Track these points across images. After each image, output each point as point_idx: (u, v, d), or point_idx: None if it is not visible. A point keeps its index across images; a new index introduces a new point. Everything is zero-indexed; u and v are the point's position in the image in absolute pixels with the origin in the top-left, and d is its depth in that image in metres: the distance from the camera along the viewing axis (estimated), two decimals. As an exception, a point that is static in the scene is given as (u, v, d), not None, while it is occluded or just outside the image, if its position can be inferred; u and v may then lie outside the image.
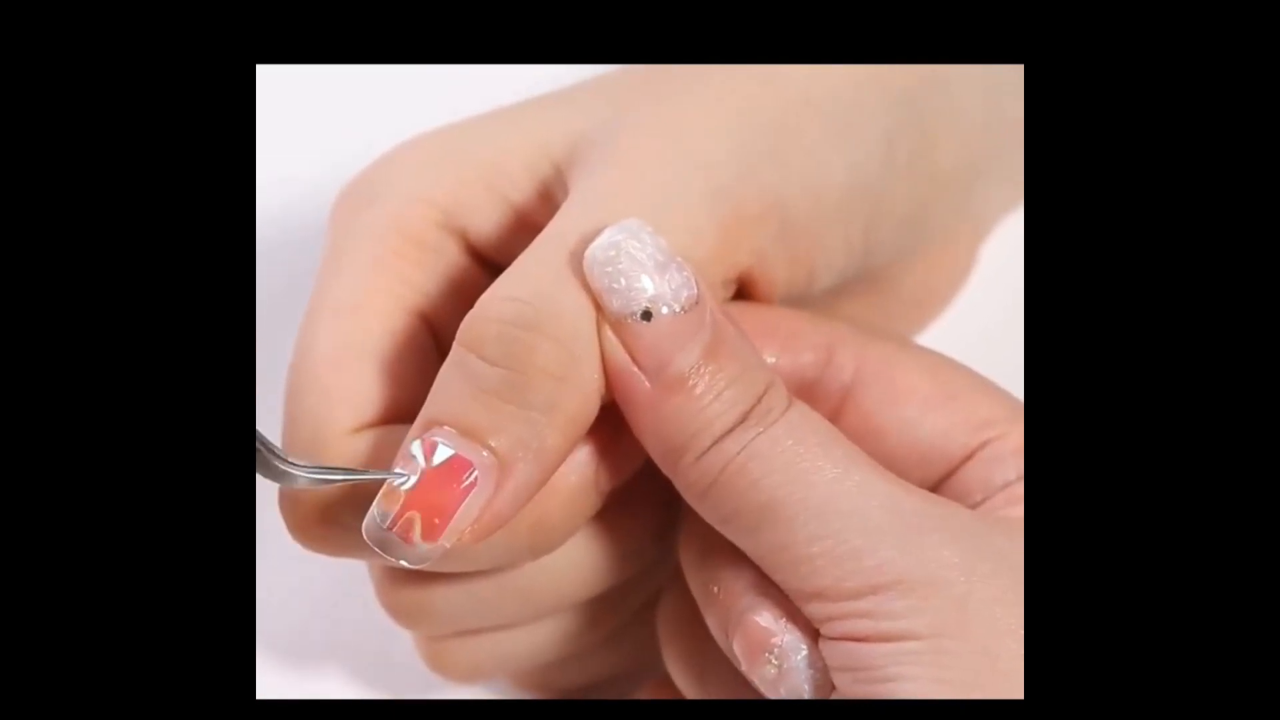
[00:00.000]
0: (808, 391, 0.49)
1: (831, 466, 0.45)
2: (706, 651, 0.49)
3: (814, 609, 0.45)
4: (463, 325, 0.46)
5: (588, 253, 0.46)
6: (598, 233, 0.46)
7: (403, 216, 0.51)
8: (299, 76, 0.64)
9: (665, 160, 0.49)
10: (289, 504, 0.48)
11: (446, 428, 0.45)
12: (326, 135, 0.67)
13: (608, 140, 0.50)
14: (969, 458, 0.48)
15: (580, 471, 0.47)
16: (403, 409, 0.48)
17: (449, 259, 0.51)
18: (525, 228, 0.50)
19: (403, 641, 0.55)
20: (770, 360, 0.49)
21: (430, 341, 0.50)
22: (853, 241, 0.51)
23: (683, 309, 0.46)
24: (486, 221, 0.51)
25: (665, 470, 0.46)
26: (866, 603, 0.44)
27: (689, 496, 0.46)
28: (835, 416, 0.49)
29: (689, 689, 0.51)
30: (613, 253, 0.46)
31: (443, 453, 0.45)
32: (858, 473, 0.45)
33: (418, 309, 0.50)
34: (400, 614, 0.51)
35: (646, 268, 0.46)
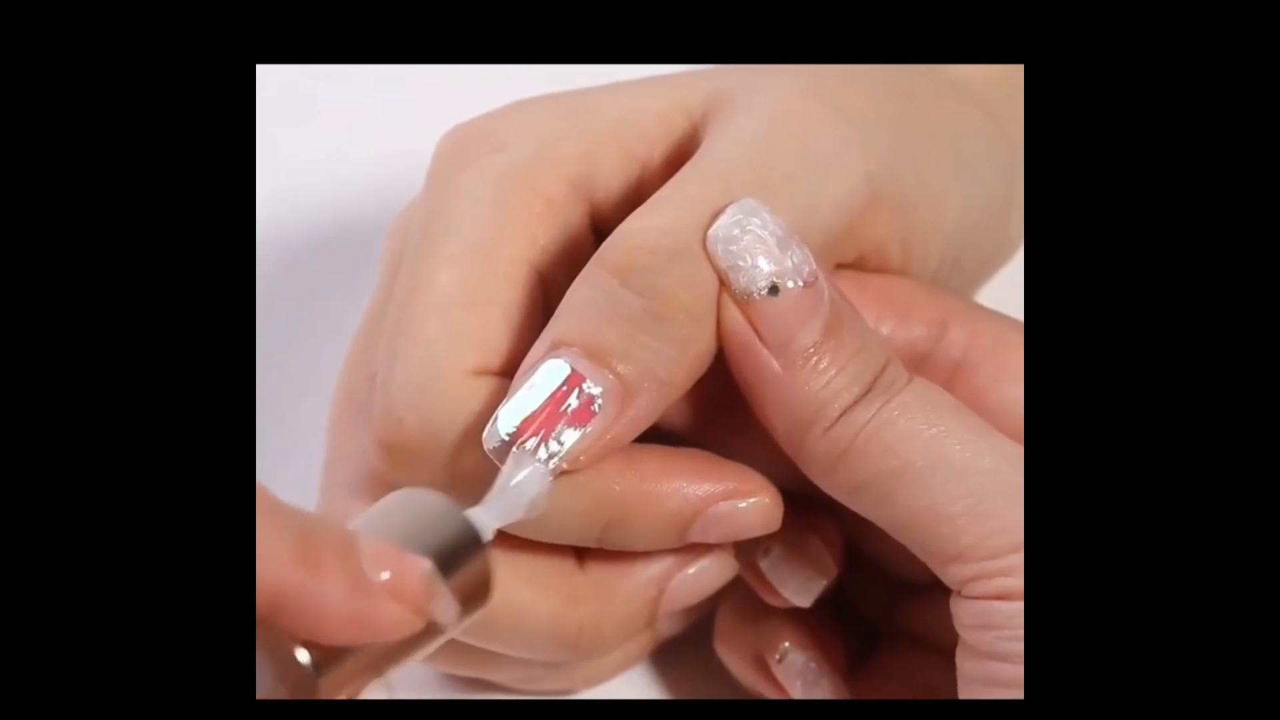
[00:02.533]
0: (918, 364, 0.49)
1: (963, 429, 0.46)
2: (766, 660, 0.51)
3: (955, 570, 0.45)
4: (606, 249, 0.47)
5: (710, 232, 0.46)
6: (741, 175, 0.47)
7: (534, 170, 0.50)
8: (299, 76, 0.64)
9: (827, 123, 0.49)
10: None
11: (574, 349, 0.45)
12: (326, 135, 0.67)
13: (757, 95, 0.50)
14: None
15: (682, 503, 0.48)
16: (518, 362, 0.47)
17: (572, 221, 0.50)
18: (652, 186, 0.49)
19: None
20: (884, 331, 0.49)
21: (541, 297, 0.49)
22: (944, 267, 0.52)
23: (805, 284, 0.46)
24: (614, 179, 0.51)
25: (790, 448, 0.47)
26: (1010, 560, 0.44)
27: (816, 471, 0.46)
28: (946, 389, 0.49)
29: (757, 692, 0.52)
30: (736, 231, 0.46)
31: (559, 373, 0.45)
32: (991, 435, 0.46)
33: (535, 265, 0.50)
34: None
35: (769, 245, 0.46)
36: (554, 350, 0.46)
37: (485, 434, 0.46)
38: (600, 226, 0.50)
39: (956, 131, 0.53)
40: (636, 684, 0.55)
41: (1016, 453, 0.45)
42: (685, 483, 0.48)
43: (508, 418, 0.45)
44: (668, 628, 0.54)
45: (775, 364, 0.46)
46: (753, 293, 0.46)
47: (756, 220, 0.46)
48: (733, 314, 0.46)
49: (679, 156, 0.50)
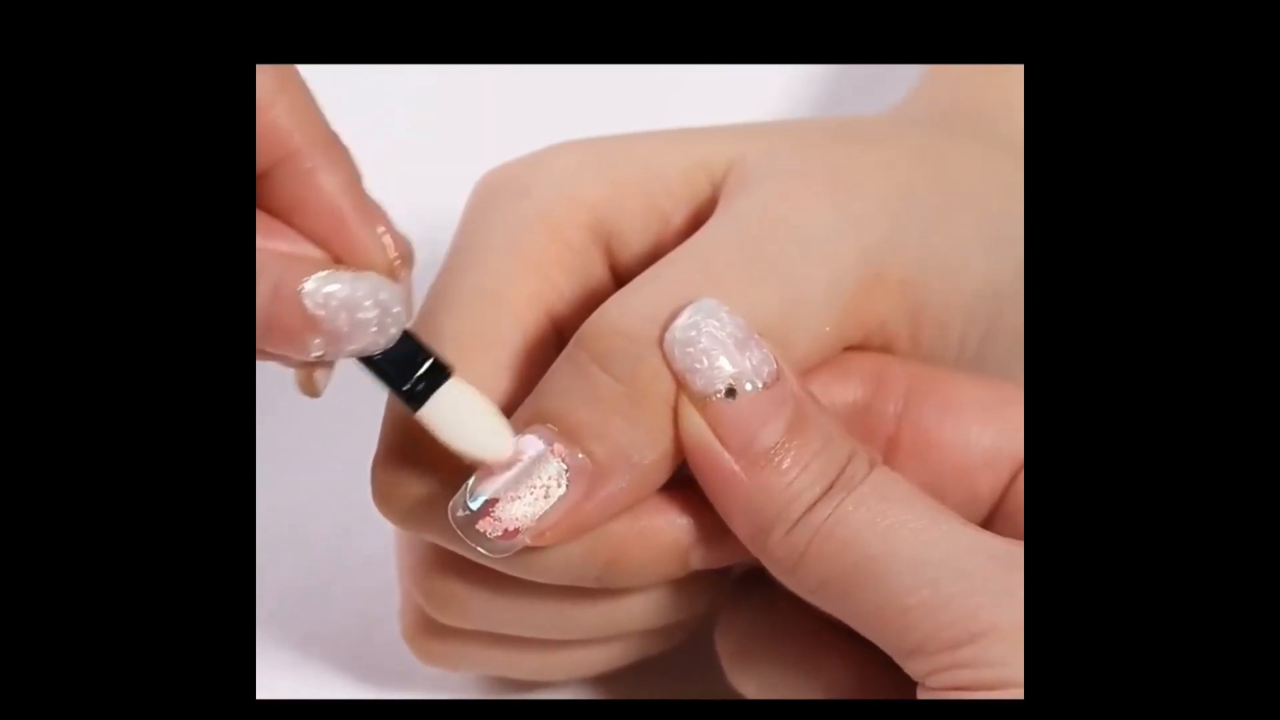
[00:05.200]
0: (862, 420, 0.49)
1: (916, 519, 0.45)
2: (770, 667, 0.51)
3: (915, 665, 0.45)
4: (587, 329, 0.47)
5: (667, 335, 0.46)
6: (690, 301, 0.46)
7: (553, 214, 0.50)
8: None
9: (823, 203, 0.49)
10: (382, 474, 0.48)
11: (550, 425, 0.46)
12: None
13: (768, 171, 0.50)
14: None
15: (677, 534, 0.48)
16: (521, 403, 0.48)
17: (590, 266, 0.51)
18: (671, 246, 0.49)
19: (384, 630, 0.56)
20: (822, 395, 0.49)
21: (554, 342, 0.50)
22: (969, 342, 0.51)
23: (764, 385, 0.46)
24: (635, 231, 0.51)
25: (753, 548, 0.46)
26: (965, 652, 0.44)
27: (779, 572, 0.46)
28: (894, 439, 0.49)
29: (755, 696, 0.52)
30: (693, 333, 0.46)
31: (534, 448, 0.46)
32: (944, 523, 0.45)
33: (549, 308, 0.50)
34: (432, 599, 0.51)
35: (727, 346, 0.46)
36: (530, 425, 0.46)
37: (451, 506, 0.46)
38: (621, 275, 0.51)
39: (988, 197, 0.52)
40: (638, 684, 0.55)
41: (972, 537, 0.45)
42: (676, 514, 0.48)
43: (476, 489, 0.46)
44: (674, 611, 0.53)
45: (735, 466, 0.46)
46: (710, 395, 0.46)
47: (714, 321, 0.46)
48: (691, 417, 0.46)
49: (699, 218, 0.50)
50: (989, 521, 0.49)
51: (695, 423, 0.46)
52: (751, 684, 0.52)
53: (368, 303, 0.43)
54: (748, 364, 0.46)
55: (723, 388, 0.46)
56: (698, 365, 0.46)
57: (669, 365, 0.46)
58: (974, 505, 0.49)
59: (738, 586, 0.52)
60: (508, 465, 0.46)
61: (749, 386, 0.46)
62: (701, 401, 0.46)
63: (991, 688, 0.43)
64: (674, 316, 0.46)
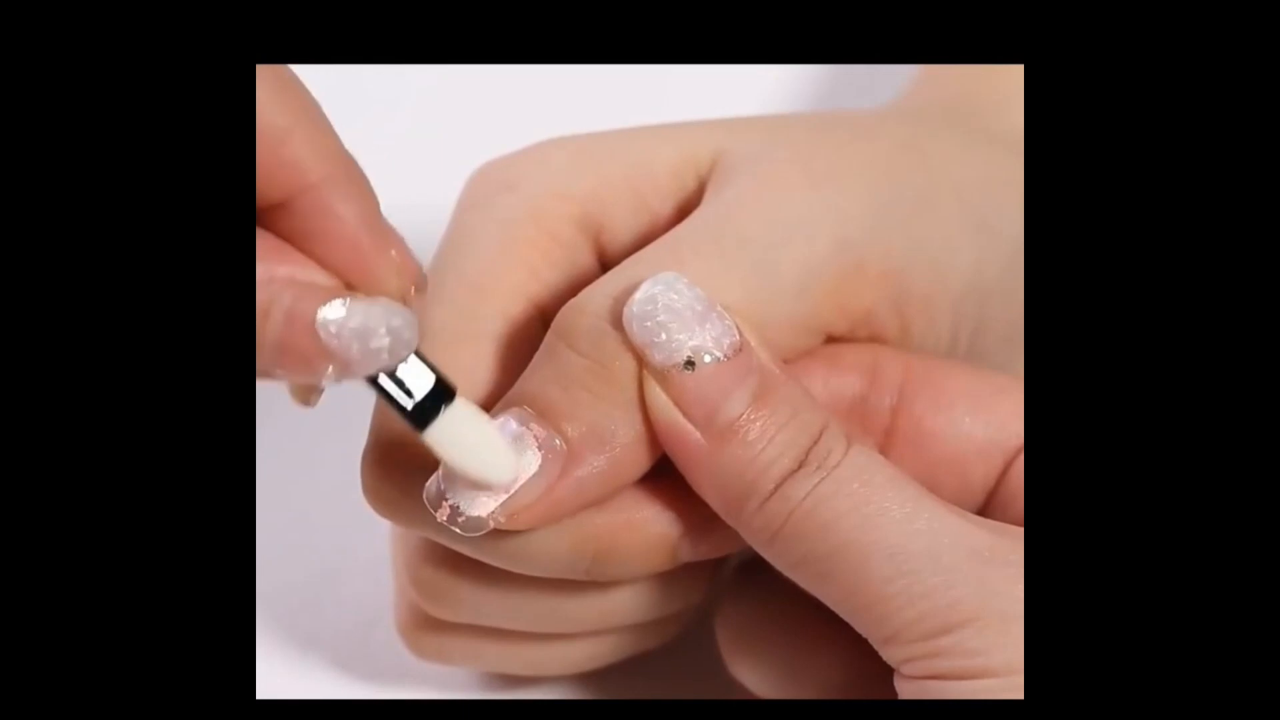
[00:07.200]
0: (858, 409, 0.49)
1: (900, 507, 0.45)
2: (768, 656, 0.51)
3: (891, 651, 0.45)
4: (559, 314, 0.47)
5: (625, 308, 0.46)
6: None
7: (541, 208, 0.51)
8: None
9: (802, 194, 0.49)
10: (371, 466, 0.49)
11: (526, 408, 0.46)
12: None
13: (752, 163, 0.50)
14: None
15: (665, 526, 0.48)
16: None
17: (578, 259, 0.51)
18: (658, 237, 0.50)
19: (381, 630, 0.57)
20: (816, 384, 0.49)
21: (541, 335, 0.49)
22: (960, 334, 0.51)
23: (725, 356, 0.46)
24: (623, 226, 0.51)
25: (730, 521, 0.46)
26: (944, 641, 0.44)
27: (757, 544, 0.46)
28: (889, 429, 0.49)
29: (761, 690, 0.52)
30: (650, 306, 0.46)
31: (508, 430, 0.46)
32: (926, 511, 0.45)
33: (537, 301, 0.50)
34: (425, 592, 0.51)
35: (685, 318, 0.46)
36: (507, 408, 0.46)
37: (426, 486, 0.46)
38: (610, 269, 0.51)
39: (975, 189, 0.52)
40: (635, 683, 0.55)
41: (956, 527, 0.45)
42: (664, 506, 0.48)
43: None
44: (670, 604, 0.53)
45: (700, 439, 0.46)
46: (670, 368, 0.46)
47: (672, 294, 0.46)
48: (655, 391, 0.46)
49: (686, 212, 0.50)
50: (984, 510, 0.49)
51: (659, 397, 0.46)
52: (750, 673, 0.52)
53: (380, 330, 0.43)
54: (707, 336, 0.46)
55: (682, 359, 0.46)
56: (656, 339, 0.46)
57: (630, 340, 0.46)
58: (968, 494, 0.49)
59: (738, 575, 0.52)
60: (507, 488, 0.46)
61: (708, 358, 0.46)
62: (662, 374, 0.46)
63: (970, 677, 0.43)
64: (633, 291, 0.46)
